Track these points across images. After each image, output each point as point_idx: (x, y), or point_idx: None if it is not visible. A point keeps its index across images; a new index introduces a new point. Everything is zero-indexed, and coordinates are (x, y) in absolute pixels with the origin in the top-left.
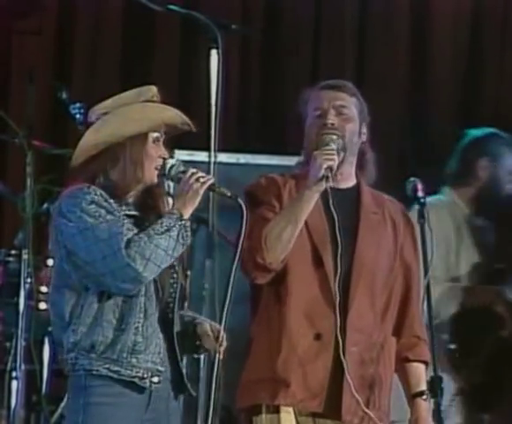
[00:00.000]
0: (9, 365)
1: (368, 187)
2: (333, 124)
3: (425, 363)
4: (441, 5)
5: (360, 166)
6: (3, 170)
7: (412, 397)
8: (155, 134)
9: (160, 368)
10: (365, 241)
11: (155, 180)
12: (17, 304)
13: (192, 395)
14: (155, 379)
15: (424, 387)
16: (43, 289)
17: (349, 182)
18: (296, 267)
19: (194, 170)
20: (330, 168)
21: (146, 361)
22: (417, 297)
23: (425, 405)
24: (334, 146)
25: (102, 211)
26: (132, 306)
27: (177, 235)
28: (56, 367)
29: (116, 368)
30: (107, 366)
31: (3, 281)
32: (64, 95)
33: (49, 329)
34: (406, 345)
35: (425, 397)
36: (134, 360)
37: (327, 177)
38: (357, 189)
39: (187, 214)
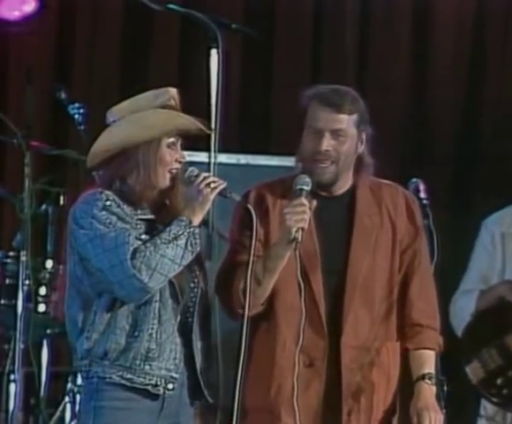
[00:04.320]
0: (7, 367)
1: (367, 181)
2: (327, 151)
3: (431, 349)
4: (443, 5)
5: (357, 171)
6: (1, 170)
7: (415, 381)
8: (170, 139)
9: (174, 375)
10: (358, 253)
11: (167, 184)
12: (15, 306)
13: (208, 401)
14: (170, 386)
15: (427, 370)
16: (42, 291)
17: (344, 187)
18: (284, 295)
19: (206, 175)
20: (301, 229)
21: (159, 368)
22: (421, 283)
23: (427, 387)
24: (307, 189)
25: (113, 218)
26: (146, 312)
27: (186, 243)
28: (55, 369)
29: (128, 376)
30: (120, 373)
31: (1, 283)
32: (63, 95)
33: (48, 331)
34: (407, 336)
35: (427, 379)
36: (148, 368)
37: (297, 241)
38: (352, 192)
39: (197, 220)
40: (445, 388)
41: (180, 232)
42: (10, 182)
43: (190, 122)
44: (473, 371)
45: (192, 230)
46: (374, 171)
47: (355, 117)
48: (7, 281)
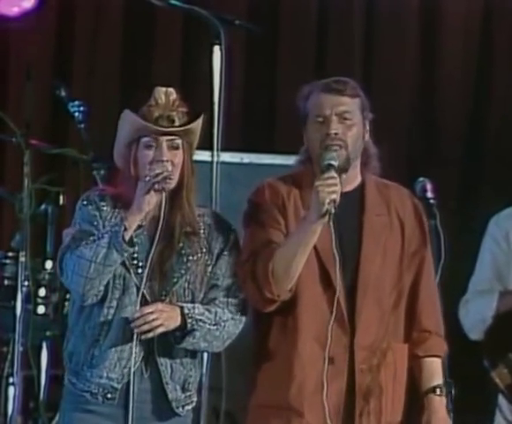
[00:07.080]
0: (6, 370)
1: (374, 180)
2: (336, 134)
3: (439, 356)
4: (451, 4)
5: (364, 163)
6: (0, 170)
7: (425, 393)
8: (145, 139)
9: (115, 385)
10: (369, 251)
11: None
12: (14, 308)
13: (180, 415)
14: (109, 395)
15: (437, 382)
16: (41, 292)
17: (353, 183)
18: (304, 288)
19: (155, 173)
20: (333, 201)
21: (100, 377)
22: (428, 289)
23: (438, 400)
24: (335, 164)
25: (82, 220)
26: (98, 318)
27: (108, 242)
28: (54, 372)
29: (74, 380)
30: (69, 377)
31: None
32: (63, 93)
33: (47, 333)
34: (416, 342)
35: (438, 392)
36: (88, 374)
37: (330, 213)
38: (361, 189)
39: (131, 220)
40: (453, 390)
41: (104, 232)
42: (9, 181)
43: (136, 122)
44: (500, 376)
45: (116, 229)
46: (381, 171)
47: (358, 100)
48: (6, 282)
